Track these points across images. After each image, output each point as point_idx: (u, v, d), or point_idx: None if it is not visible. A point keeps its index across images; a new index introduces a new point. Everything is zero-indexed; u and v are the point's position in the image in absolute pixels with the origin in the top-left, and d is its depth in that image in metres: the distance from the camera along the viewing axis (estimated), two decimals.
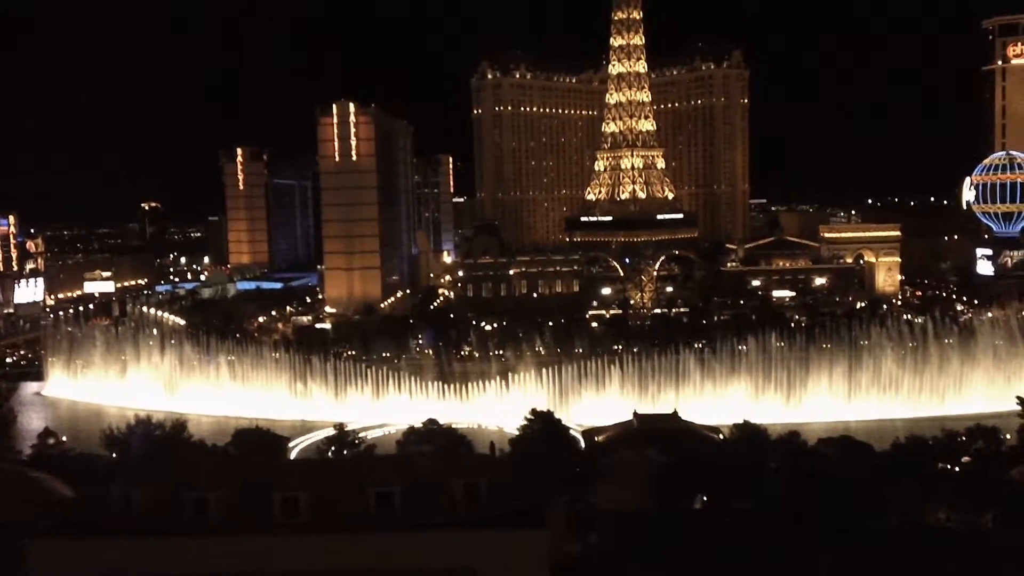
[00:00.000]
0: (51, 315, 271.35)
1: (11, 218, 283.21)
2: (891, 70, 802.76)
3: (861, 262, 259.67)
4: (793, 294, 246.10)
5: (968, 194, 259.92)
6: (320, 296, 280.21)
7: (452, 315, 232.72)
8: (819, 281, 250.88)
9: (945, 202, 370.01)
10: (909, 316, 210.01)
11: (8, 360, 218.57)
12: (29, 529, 39.58)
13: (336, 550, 37.39)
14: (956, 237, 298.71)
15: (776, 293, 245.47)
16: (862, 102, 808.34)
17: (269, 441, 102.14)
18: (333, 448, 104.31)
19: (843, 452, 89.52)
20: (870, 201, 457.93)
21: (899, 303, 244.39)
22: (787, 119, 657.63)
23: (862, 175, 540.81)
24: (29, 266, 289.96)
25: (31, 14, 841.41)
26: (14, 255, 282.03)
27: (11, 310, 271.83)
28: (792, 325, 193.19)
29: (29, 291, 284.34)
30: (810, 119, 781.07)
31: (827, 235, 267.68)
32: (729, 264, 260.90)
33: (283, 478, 42.25)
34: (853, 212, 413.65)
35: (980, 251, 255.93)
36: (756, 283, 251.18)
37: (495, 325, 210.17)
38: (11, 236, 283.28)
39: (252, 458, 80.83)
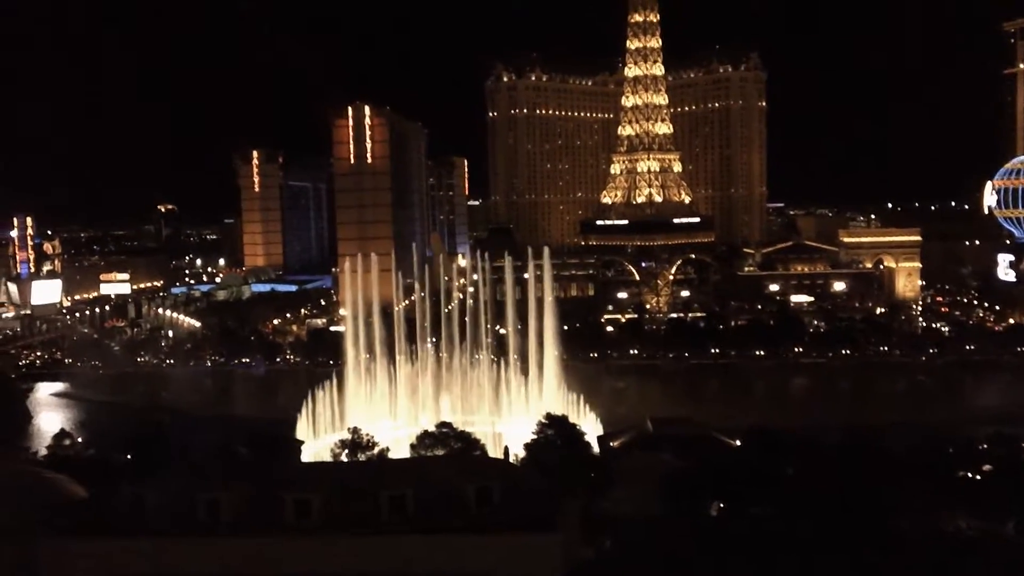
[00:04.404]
0: (67, 316, 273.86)
1: (28, 220, 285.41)
2: (911, 72, 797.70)
3: (881, 267, 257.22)
4: (811, 299, 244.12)
5: (989, 198, 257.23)
6: (335, 298, 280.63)
7: (466, 318, 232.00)
8: (838, 286, 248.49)
9: (966, 206, 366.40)
10: (935, 325, 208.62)
11: (25, 361, 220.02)
12: (42, 529, 39.42)
13: (348, 553, 37.03)
14: (977, 242, 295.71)
15: (794, 298, 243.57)
16: (881, 104, 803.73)
17: (282, 443, 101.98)
18: (346, 451, 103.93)
19: (860, 457, 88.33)
20: (889, 205, 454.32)
21: (919, 309, 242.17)
22: (805, 122, 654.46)
23: (881, 178, 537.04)
24: (46, 268, 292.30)
25: (46, 15, 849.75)
26: (31, 257, 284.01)
27: (28, 311, 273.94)
28: (811, 330, 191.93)
29: (46, 292, 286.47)
30: (828, 122, 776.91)
31: (846, 239, 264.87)
32: (746, 268, 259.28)
33: (295, 481, 41.92)
34: (872, 216, 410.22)
35: (1001, 256, 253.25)
36: (774, 288, 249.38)
37: (510, 329, 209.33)
38: (28, 238, 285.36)
39: (265, 460, 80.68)
